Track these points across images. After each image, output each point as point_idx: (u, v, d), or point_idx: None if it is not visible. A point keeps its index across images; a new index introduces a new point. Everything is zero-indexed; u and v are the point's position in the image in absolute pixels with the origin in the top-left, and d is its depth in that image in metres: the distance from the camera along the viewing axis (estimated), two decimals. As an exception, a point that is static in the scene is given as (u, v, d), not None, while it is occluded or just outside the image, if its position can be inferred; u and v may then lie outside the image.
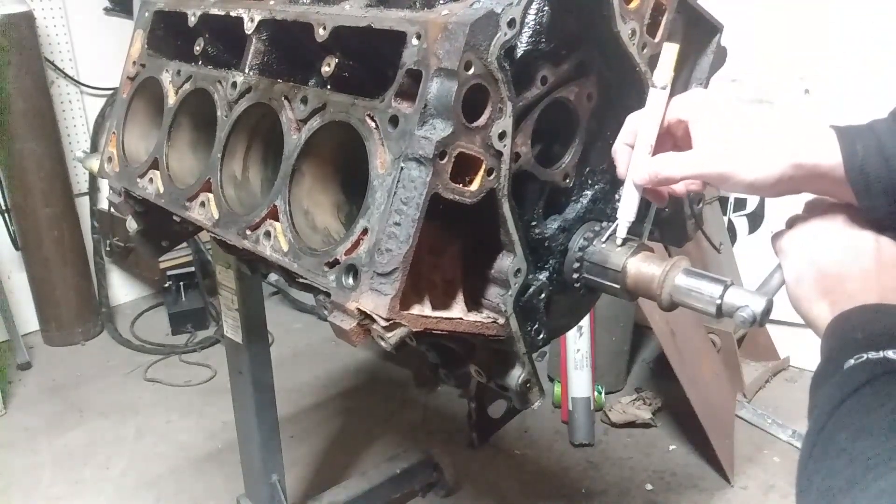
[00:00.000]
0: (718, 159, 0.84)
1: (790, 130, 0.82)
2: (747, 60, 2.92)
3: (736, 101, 0.87)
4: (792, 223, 0.88)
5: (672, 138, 0.94)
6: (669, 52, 0.97)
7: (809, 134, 0.81)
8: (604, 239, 1.09)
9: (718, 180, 0.85)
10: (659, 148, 0.92)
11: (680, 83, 1.25)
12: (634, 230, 1.06)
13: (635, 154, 0.94)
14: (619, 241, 1.04)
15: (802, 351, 3.21)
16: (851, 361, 0.68)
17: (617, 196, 1.19)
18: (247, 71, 1.24)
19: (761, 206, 3.29)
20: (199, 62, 1.38)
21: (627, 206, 0.98)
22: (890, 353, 0.67)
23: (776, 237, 0.89)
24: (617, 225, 1.03)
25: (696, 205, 1.28)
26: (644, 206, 1.02)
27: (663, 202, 0.99)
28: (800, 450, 0.68)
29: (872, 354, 0.67)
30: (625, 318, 3.10)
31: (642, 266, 1.03)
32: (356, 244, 0.95)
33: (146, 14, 1.49)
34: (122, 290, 4.12)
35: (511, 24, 0.93)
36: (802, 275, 0.83)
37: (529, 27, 0.97)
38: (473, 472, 2.71)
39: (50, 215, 3.54)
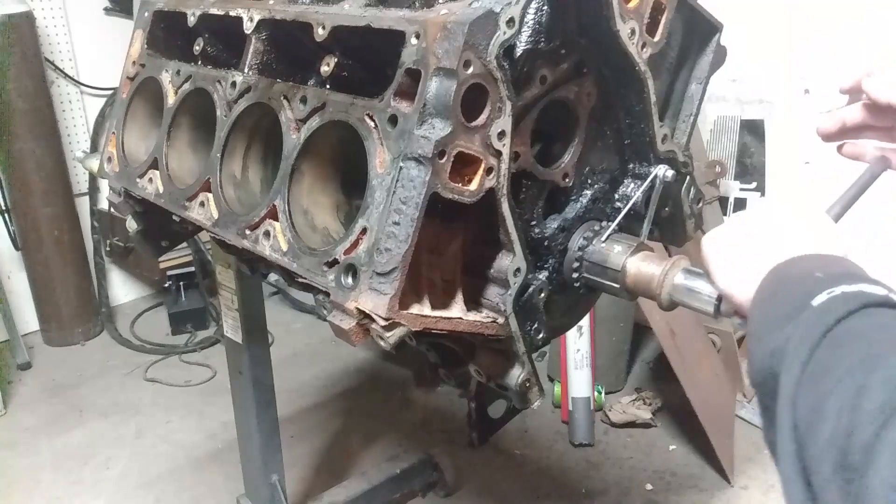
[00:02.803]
0: None
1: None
2: (747, 60, 2.91)
3: None
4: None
5: None
6: None
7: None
8: (603, 238, 1.09)
9: None
10: None
11: (680, 82, 1.25)
12: (634, 230, 1.06)
13: None
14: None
15: (802, 351, 3.20)
16: (823, 296, 0.62)
17: (616, 195, 1.19)
18: (246, 71, 1.24)
19: (761, 205, 3.28)
20: (199, 62, 1.38)
21: None
22: (864, 287, 0.62)
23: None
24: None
25: (696, 205, 1.28)
26: (644, 205, 1.02)
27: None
28: (778, 395, 0.59)
29: (846, 288, 0.62)
30: (625, 318, 3.10)
31: (642, 265, 1.03)
32: (355, 244, 0.95)
33: (146, 14, 1.49)
34: (122, 290, 4.12)
35: (510, 23, 0.93)
36: (721, 264, 0.83)
37: (528, 26, 0.97)
38: (473, 472, 2.71)
39: (50, 215, 3.54)
